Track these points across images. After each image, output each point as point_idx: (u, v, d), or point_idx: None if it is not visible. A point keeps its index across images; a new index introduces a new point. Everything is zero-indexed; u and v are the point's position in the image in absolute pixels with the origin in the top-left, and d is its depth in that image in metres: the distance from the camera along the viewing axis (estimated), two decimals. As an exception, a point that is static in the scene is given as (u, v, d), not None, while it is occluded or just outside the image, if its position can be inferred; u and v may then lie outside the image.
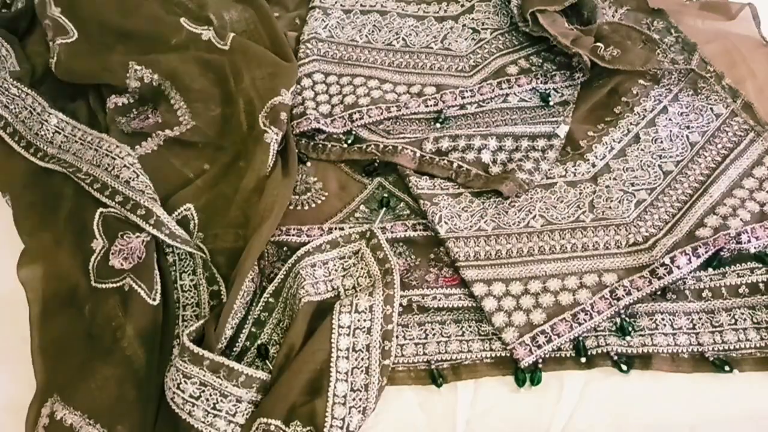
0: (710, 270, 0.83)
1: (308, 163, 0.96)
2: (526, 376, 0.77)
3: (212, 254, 0.85)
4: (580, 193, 0.91)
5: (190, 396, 0.72)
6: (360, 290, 0.81)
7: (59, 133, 0.96)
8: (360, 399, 0.74)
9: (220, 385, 0.72)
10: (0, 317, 0.84)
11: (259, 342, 0.81)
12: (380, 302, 0.78)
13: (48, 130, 0.96)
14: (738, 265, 0.83)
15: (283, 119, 0.94)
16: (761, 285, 0.82)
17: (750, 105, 0.96)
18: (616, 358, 0.78)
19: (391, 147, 0.94)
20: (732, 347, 0.78)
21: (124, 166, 0.89)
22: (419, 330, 0.82)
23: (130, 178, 0.88)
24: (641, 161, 0.94)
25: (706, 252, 0.82)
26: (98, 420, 0.73)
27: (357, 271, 0.83)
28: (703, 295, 0.82)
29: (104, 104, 1.01)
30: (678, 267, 0.81)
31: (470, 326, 0.82)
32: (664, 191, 0.90)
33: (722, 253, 0.83)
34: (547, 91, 1.01)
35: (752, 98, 0.97)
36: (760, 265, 0.83)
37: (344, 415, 0.73)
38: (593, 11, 1.05)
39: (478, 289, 0.82)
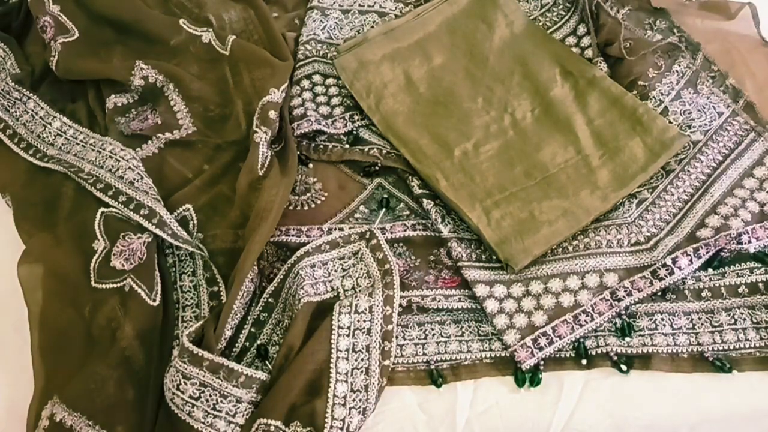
0: (710, 270, 0.83)
1: (310, 165, 0.96)
2: (526, 376, 0.78)
3: (212, 255, 0.85)
4: (580, 193, 0.91)
5: (190, 397, 0.72)
6: (359, 291, 0.81)
7: (61, 136, 0.96)
8: (360, 399, 0.74)
9: (220, 385, 0.72)
10: (0, 317, 0.84)
11: (258, 342, 0.81)
12: (380, 303, 0.78)
13: (50, 133, 0.96)
14: (738, 265, 0.83)
15: (273, 117, 0.93)
16: (761, 285, 0.82)
17: (752, 105, 0.95)
18: (615, 358, 0.78)
19: (394, 154, 0.94)
20: (731, 347, 0.78)
21: (129, 167, 0.88)
22: (419, 330, 0.82)
23: (134, 179, 0.88)
24: (642, 160, 0.93)
25: (707, 252, 0.81)
26: (97, 421, 0.72)
27: (356, 271, 0.83)
28: (703, 295, 0.82)
29: (103, 104, 1.00)
30: (679, 268, 0.80)
31: (470, 326, 0.82)
32: (666, 189, 0.90)
33: (722, 253, 0.83)
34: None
35: (752, 98, 0.96)
36: (760, 265, 0.83)
37: (344, 416, 0.73)
38: (599, 8, 1.05)
39: (480, 291, 0.82)
